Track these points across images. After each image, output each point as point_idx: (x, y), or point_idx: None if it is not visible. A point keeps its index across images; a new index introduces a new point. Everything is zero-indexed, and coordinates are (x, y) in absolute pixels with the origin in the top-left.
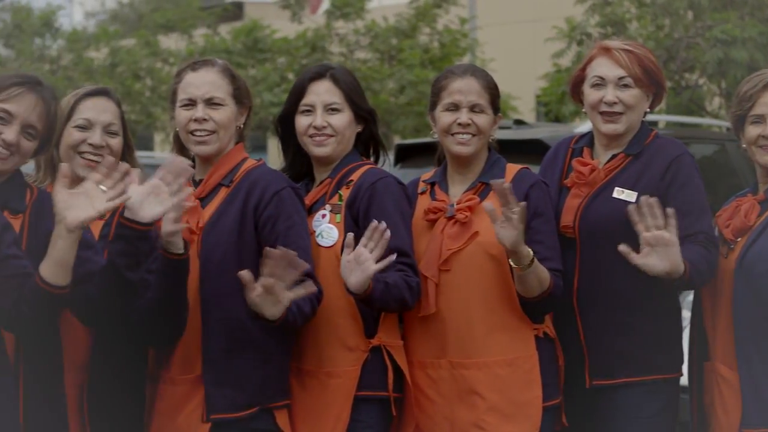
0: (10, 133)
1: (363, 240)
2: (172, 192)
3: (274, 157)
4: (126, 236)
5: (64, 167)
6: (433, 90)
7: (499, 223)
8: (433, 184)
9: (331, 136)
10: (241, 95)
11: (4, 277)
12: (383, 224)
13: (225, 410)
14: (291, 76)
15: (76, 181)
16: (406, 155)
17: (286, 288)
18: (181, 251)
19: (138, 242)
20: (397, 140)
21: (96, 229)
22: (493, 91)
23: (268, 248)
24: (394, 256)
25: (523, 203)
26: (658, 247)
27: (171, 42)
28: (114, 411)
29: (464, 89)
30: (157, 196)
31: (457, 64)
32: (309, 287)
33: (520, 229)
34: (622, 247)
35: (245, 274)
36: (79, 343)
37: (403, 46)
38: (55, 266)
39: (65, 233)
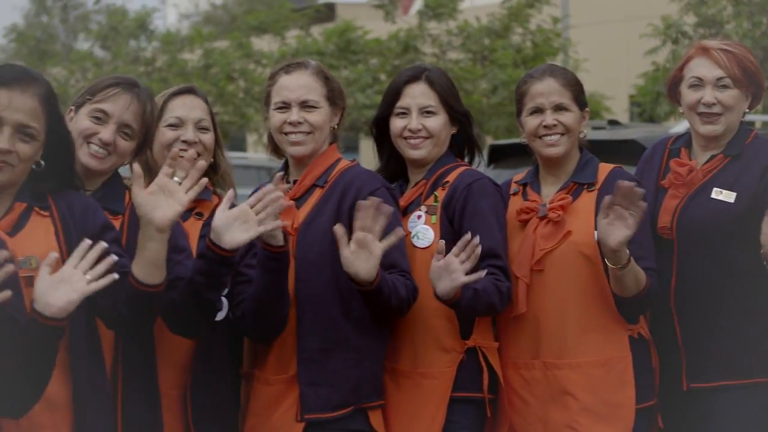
0: (107, 133)
1: (455, 249)
2: (260, 221)
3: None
4: (208, 257)
5: (137, 171)
6: (516, 97)
7: (609, 220)
8: (525, 185)
9: (427, 138)
10: (334, 96)
11: None
12: (477, 239)
13: (319, 410)
14: (383, 77)
15: None
16: (500, 156)
17: (376, 238)
18: (281, 243)
19: (218, 266)
20: (490, 141)
21: (195, 230)
22: (574, 88)
23: (359, 201)
24: (484, 272)
25: (645, 204)
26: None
27: (264, 43)
28: (215, 411)
29: (545, 91)
30: (244, 222)
31: (536, 67)
32: (398, 233)
33: (632, 231)
34: None
35: (338, 228)
36: (181, 344)
37: (496, 46)
38: (147, 266)
39: (156, 234)
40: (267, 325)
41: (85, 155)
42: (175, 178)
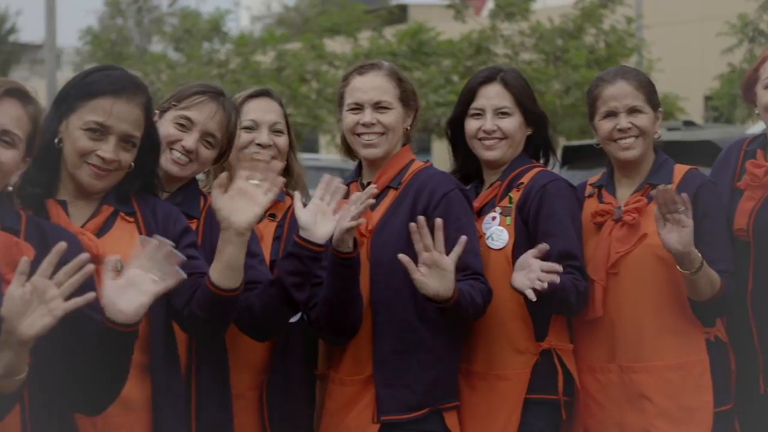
0: (190, 140)
1: (534, 251)
2: (333, 210)
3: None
4: (300, 255)
5: (221, 177)
6: (588, 101)
7: (665, 226)
8: (600, 188)
9: (501, 139)
10: (407, 98)
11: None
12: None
13: (395, 411)
14: (456, 78)
15: None
16: (573, 157)
17: (441, 253)
18: (350, 250)
19: (310, 262)
20: (563, 142)
21: (269, 232)
22: (647, 89)
23: (411, 223)
24: (560, 267)
25: (685, 194)
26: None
27: (336, 45)
28: (291, 411)
29: (617, 94)
30: (324, 216)
31: (606, 70)
32: (461, 241)
33: (690, 228)
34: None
35: (403, 257)
36: (258, 346)
37: (569, 46)
38: (225, 269)
39: (235, 238)
40: (340, 329)
41: (167, 161)
42: (253, 181)
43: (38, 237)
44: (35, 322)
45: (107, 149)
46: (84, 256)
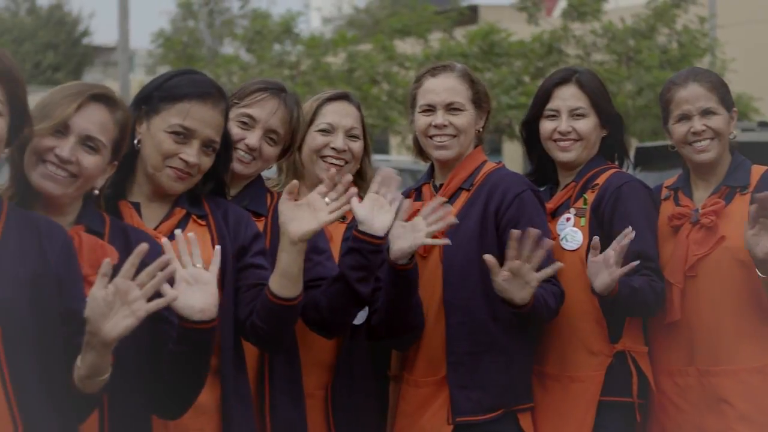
0: (253, 138)
1: (614, 244)
2: (390, 201)
3: (509, 160)
4: (361, 249)
5: (292, 184)
6: (661, 104)
7: (755, 231)
8: (676, 190)
9: (576, 140)
10: (480, 99)
11: (246, 286)
12: (629, 229)
13: (470, 413)
14: (527, 79)
15: (316, 185)
16: (646, 158)
17: (533, 269)
18: (407, 262)
19: (372, 255)
20: (635, 143)
21: (338, 233)
22: (720, 90)
23: (513, 230)
24: (637, 262)
25: None
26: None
27: (407, 46)
28: (358, 411)
29: (690, 97)
30: (381, 208)
31: (677, 73)
32: (554, 266)
33: None
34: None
35: (489, 258)
36: (325, 344)
37: (641, 47)
38: (281, 278)
39: (288, 246)
40: (400, 334)
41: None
42: (326, 199)
43: (121, 240)
44: (118, 323)
45: (191, 153)
46: (165, 257)
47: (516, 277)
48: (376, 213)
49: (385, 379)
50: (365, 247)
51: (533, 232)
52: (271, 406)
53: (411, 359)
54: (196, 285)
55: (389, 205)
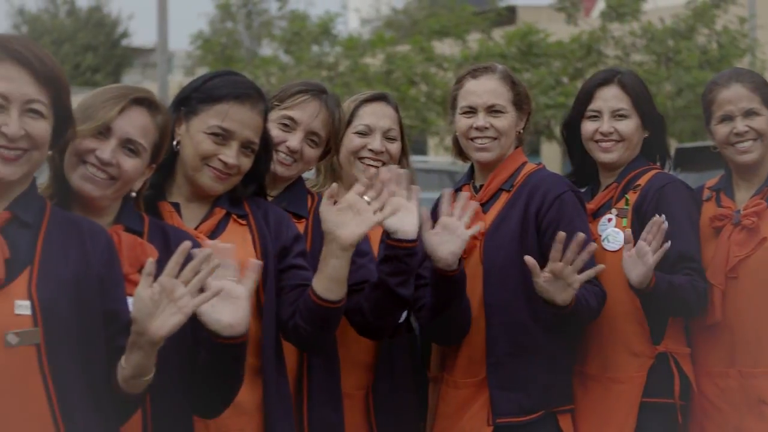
0: (294, 140)
1: (643, 234)
2: (409, 199)
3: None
4: (396, 256)
5: (332, 188)
6: (703, 105)
7: None
8: (718, 191)
9: (618, 141)
10: (521, 101)
11: (288, 287)
12: (663, 217)
13: (510, 414)
14: (566, 79)
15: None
16: (686, 159)
17: (576, 271)
18: (454, 269)
19: (408, 259)
20: (675, 144)
21: (376, 234)
22: (763, 90)
23: (559, 232)
24: (668, 244)
25: None
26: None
27: (445, 47)
28: (399, 412)
29: (733, 98)
30: (404, 209)
31: (719, 73)
32: (597, 268)
33: None
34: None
35: (530, 259)
36: (364, 345)
37: (680, 47)
38: (328, 282)
39: (339, 252)
40: (448, 331)
41: (272, 162)
42: (365, 198)
43: (160, 238)
44: (166, 320)
45: (230, 154)
46: (207, 251)
47: (558, 279)
48: (401, 217)
49: (425, 380)
50: (399, 254)
51: (580, 236)
52: (309, 407)
53: (451, 360)
54: (227, 299)
55: (409, 203)
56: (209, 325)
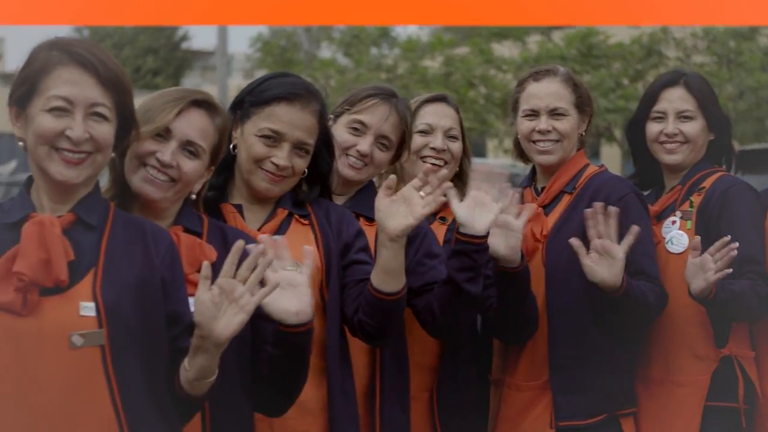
0: (364, 144)
1: (711, 249)
2: (495, 198)
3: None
4: (465, 251)
5: (390, 179)
6: None
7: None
8: None
9: (683, 143)
10: (583, 103)
11: (351, 282)
12: (735, 243)
13: (573, 417)
14: (626, 81)
15: None
16: (748, 161)
17: (612, 239)
18: (516, 265)
19: (476, 255)
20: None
21: (439, 234)
22: None
23: (585, 210)
24: (729, 270)
25: None
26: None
27: (504, 49)
28: (463, 414)
29: None
30: (483, 207)
31: None
32: (633, 230)
33: None
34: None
35: (575, 241)
36: (428, 347)
37: (742, 49)
38: (383, 274)
39: (388, 242)
40: (515, 331)
41: (343, 166)
42: (421, 192)
43: (219, 239)
44: (230, 321)
45: (281, 156)
46: (260, 247)
47: (603, 255)
48: (477, 212)
49: (487, 383)
50: (469, 249)
51: (598, 204)
52: (381, 407)
53: (512, 363)
54: (288, 288)
55: (492, 203)
56: (275, 314)
